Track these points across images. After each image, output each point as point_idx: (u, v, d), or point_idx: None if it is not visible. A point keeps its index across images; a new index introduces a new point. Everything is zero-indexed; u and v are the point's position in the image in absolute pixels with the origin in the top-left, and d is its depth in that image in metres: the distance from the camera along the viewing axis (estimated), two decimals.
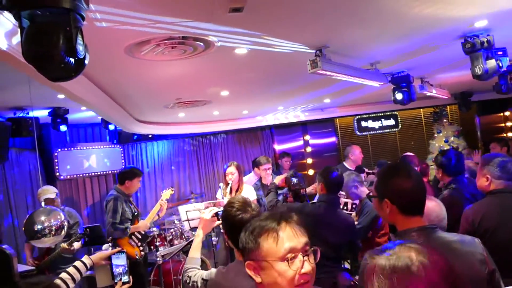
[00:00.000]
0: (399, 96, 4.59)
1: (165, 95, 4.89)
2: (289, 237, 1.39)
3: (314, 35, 3.14)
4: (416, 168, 5.42)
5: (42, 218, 3.60)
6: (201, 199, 7.68)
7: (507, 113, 10.01)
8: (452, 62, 4.60)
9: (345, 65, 3.39)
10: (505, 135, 9.83)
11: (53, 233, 3.60)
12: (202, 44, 3.01)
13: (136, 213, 5.29)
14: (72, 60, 1.63)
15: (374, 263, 1.09)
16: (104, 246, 6.33)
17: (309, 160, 9.29)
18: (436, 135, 9.43)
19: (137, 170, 5.37)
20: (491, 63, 3.38)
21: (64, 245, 4.64)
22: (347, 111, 8.67)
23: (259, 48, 3.29)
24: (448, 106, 9.68)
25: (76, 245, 4.66)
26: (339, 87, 5.67)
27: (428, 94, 5.41)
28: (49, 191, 4.94)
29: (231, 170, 5.56)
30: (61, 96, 4.97)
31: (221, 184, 5.83)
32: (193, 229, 5.79)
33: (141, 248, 5.14)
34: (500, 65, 3.43)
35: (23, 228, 3.58)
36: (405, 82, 4.54)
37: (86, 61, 1.70)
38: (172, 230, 6.45)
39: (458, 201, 3.26)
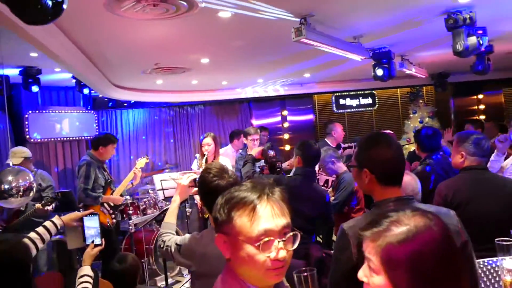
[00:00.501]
0: (379, 72, 4.58)
1: (144, 58, 4.71)
2: (267, 217, 1.19)
3: (300, 2, 3.06)
4: None
5: (10, 178, 3.47)
6: (176, 170, 7.61)
7: (480, 96, 10.21)
8: (433, 39, 4.59)
9: (329, 35, 3.33)
10: (477, 117, 10.03)
11: (21, 193, 3.49)
12: (185, 3, 2.89)
13: (109, 180, 5.18)
14: (50, 2, 1.52)
15: (384, 240, 1.09)
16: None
17: (286, 136, 9.31)
18: (411, 115, 9.56)
19: (112, 137, 5.24)
20: (472, 40, 3.39)
21: (39, 205, 4.54)
22: (326, 87, 8.67)
23: (243, 12, 3.18)
24: (424, 87, 9.81)
25: (49, 208, 4.57)
26: (320, 61, 5.63)
27: (407, 72, 5.43)
28: (25, 152, 4.79)
29: (208, 141, 5.48)
30: (33, 54, 4.77)
31: (197, 155, 5.77)
32: (167, 198, 5.77)
33: (113, 216, 5.06)
34: (481, 42, 3.44)
35: None
36: (386, 58, 4.53)
37: (64, 6, 1.59)
38: (145, 199, 6.41)
39: (429, 176, 3.33)
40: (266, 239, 1.18)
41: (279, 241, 1.19)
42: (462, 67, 8.00)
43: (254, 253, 1.18)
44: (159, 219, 5.43)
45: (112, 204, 5.07)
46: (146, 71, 5.32)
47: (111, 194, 5.13)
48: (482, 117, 9.96)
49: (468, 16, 3.23)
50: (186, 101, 8.43)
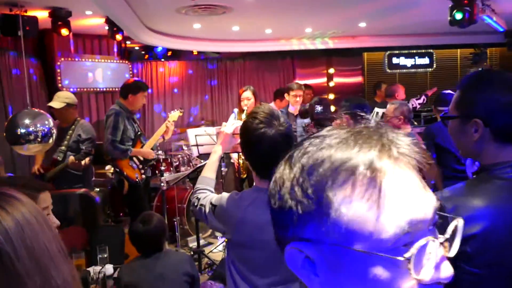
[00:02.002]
0: (458, 15, 3.81)
1: None
2: (408, 195, 0.56)
3: None
4: None
5: (27, 121, 3.10)
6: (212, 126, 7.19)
7: None
8: None
9: None
10: None
11: (39, 139, 3.12)
12: None
13: (139, 133, 4.78)
14: None
15: None
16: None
17: (331, 96, 8.62)
18: None
19: (142, 84, 4.79)
20: None
21: (72, 157, 4.25)
22: (380, 41, 7.85)
23: None
24: (488, 48, 8.78)
25: (85, 162, 4.26)
26: (383, 4, 4.87)
27: (487, 21, 4.60)
28: (69, 97, 4.48)
29: (247, 94, 5.14)
30: None
31: (235, 110, 5.38)
32: (202, 155, 5.41)
33: (142, 171, 4.68)
34: None
35: (3, 133, 3.10)
36: None
37: None
38: (179, 156, 6.10)
39: None
40: (418, 242, 0.54)
41: (439, 242, 0.56)
42: None
43: (389, 275, 0.54)
44: (192, 177, 5.08)
45: (142, 159, 4.68)
46: (181, 10, 4.72)
47: (141, 148, 4.74)
48: None
49: None
50: (225, 51, 7.86)
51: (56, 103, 4.38)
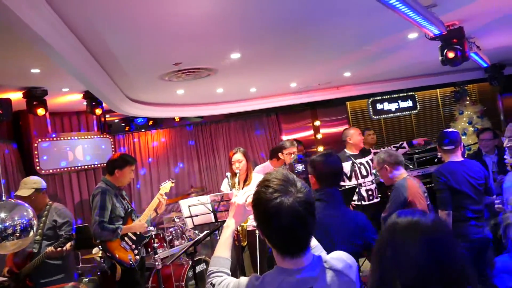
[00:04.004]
0: (450, 54, 3.73)
1: (162, 55, 3.91)
2: None
3: None
4: None
5: (2, 215, 2.72)
6: (202, 194, 6.85)
7: None
8: None
9: None
10: None
11: (17, 234, 2.73)
12: None
13: (129, 210, 4.41)
14: None
15: None
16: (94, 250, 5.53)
17: (321, 148, 8.45)
18: (457, 116, 8.64)
19: (129, 157, 4.49)
20: None
21: (51, 248, 3.81)
22: (363, 89, 7.84)
23: None
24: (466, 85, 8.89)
25: (66, 248, 3.84)
26: (368, 52, 4.84)
27: (474, 58, 4.58)
28: (36, 182, 4.07)
29: (238, 157, 4.95)
30: (35, 70, 4.13)
31: (228, 174, 5.12)
32: (197, 226, 5.06)
33: (135, 251, 4.26)
34: None
35: None
36: (457, 37, 3.69)
37: None
38: (171, 230, 5.74)
39: None
40: None
41: None
42: None
43: None
44: (188, 252, 4.68)
45: (134, 238, 4.29)
46: (165, 76, 4.52)
47: None
48: None
49: None
50: (209, 114, 7.70)
51: (23, 191, 3.96)
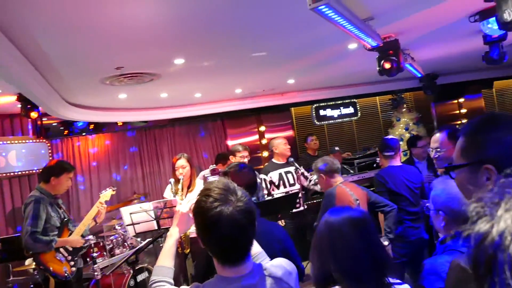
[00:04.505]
0: (387, 65, 3.91)
1: (102, 58, 3.77)
2: None
3: None
4: None
5: None
6: (145, 200, 6.67)
7: (461, 100, 9.88)
8: (449, 22, 3.98)
9: (347, 9, 2.59)
10: (460, 122, 9.69)
11: None
12: None
13: (66, 219, 4.21)
14: None
15: None
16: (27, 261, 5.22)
17: (266, 154, 8.52)
18: (395, 123, 9.05)
19: (66, 164, 4.30)
20: None
21: None
22: (307, 96, 8.03)
23: None
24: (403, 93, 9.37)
25: None
26: (310, 61, 4.96)
27: (408, 68, 4.84)
28: None
29: (182, 163, 4.90)
30: None
31: (171, 180, 5.03)
32: (139, 234, 4.92)
33: (72, 263, 4.07)
34: None
35: None
36: (393, 49, 3.87)
37: None
38: (112, 238, 5.52)
39: None
40: None
41: None
42: (449, 67, 7.63)
43: None
44: (130, 261, 4.54)
45: (70, 249, 4.09)
46: (106, 79, 4.36)
47: (69, 235, 4.15)
48: (465, 121, 9.61)
49: None
50: (152, 120, 7.53)
51: None
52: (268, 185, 5.47)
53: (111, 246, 5.51)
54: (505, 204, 0.56)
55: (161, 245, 4.95)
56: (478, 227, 0.58)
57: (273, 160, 5.72)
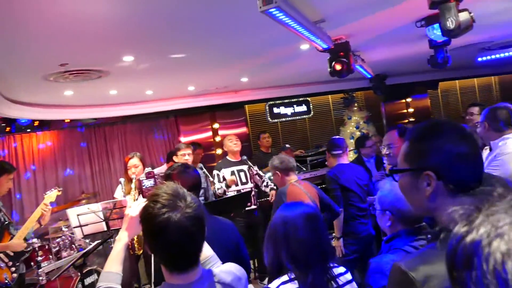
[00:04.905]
0: (337, 66, 3.99)
1: (45, 54, 3.55)
2: None
3: None
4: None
5: None
6: (94, 200, 6.45)
7: (409, 100, 10.28)
8: (397, 26, 4.12)
9: (298, 11, 2.61)
10: (407, 120, 10.08)
11: None
12: None
13: (6, 223, 4.00)
14: None
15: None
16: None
17: (219, 151, 8.48)
18: (346, 121, 9.27)
19: (6, 164, 4.09)
20: (464, 15, 2.87)
21: None
22: (261, 94, 8.07)
23: None
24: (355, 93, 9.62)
25: None
26: (262, 61, 4.98)
27: (359, 70, 4.97)
28: None
29: (135, 162, 4.88)
30: None
31: (121, 179, 4.93)
32: (87, 236, 4.77)
33: (13, 269, 3.87)
34: (473, 18, 2.95)
35: None
36: (344, 51, 3.96)
37: None
38: (59, 240, 5.30)
39: None
40: None
41: None
42: (397, 69, 7.91)
43: None
44: (78, 265, 4.38)
45: (11, 254, 3.88)
46: (49, 76, 4.14)
47: (10, 239, 3.94)
48: (412, 120, 10.01)
49: None
50: (102, 117, 7.27)
51: None
52: (221, 179, 5.45)
53: (57, 248, 5.29)
54: (485, 211, 0.61)
55: (110, 246, 4.81)
56: (458, 229, 0.64)
57: (227, 157, 5.74)
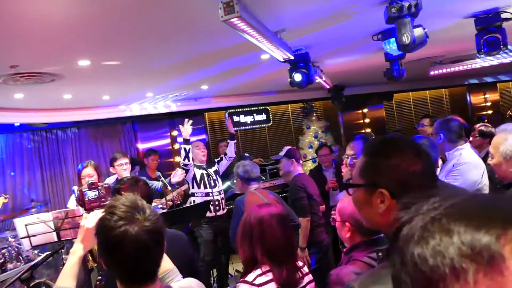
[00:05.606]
0: (297, 77, 4.02)
1: None
2: None
3: None
4: None
5: None
6: (45, 209, 6.16)
7: (365, 110, 10.56)
8: (353, 40, 4.23)
9: (260, 21, 2.60)
10: (363, 130, 10.33)
11: None
12: None
13: None
14: None
15: None
16: None
17: (177, 159, 8.34)
18: (305, 130, 9.39)
19: None
20: (418, 31, 2.98)
21: None
22: (221, 102, 8.04)
23: None
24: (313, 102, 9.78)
25: None
26: (221, 69, 4.96)
27: (318, 80, 5.04)
28: None
29: (89, 171, 4.61)
30: None
31: (74, 188, 4.73)
32: (35, 247, 4.54)
33: None
34: (427, 34, 3.06)
35: None
36: (303, 62, 4.00)
37: None
38: (4, 251, 5.12)
39: None
40: None
41: None
42: (355, 80, 8.12)
43: None
44: (24, 278, 4.14)
45: None
46: None
47: None
48: (368, 130, 10.28)
49: (414, 3, 2.79)
50: (55, 121, 6.97)
51: None
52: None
53: (2, 260, 5.03)
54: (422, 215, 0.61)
55: (61, 257, 4.59)
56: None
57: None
